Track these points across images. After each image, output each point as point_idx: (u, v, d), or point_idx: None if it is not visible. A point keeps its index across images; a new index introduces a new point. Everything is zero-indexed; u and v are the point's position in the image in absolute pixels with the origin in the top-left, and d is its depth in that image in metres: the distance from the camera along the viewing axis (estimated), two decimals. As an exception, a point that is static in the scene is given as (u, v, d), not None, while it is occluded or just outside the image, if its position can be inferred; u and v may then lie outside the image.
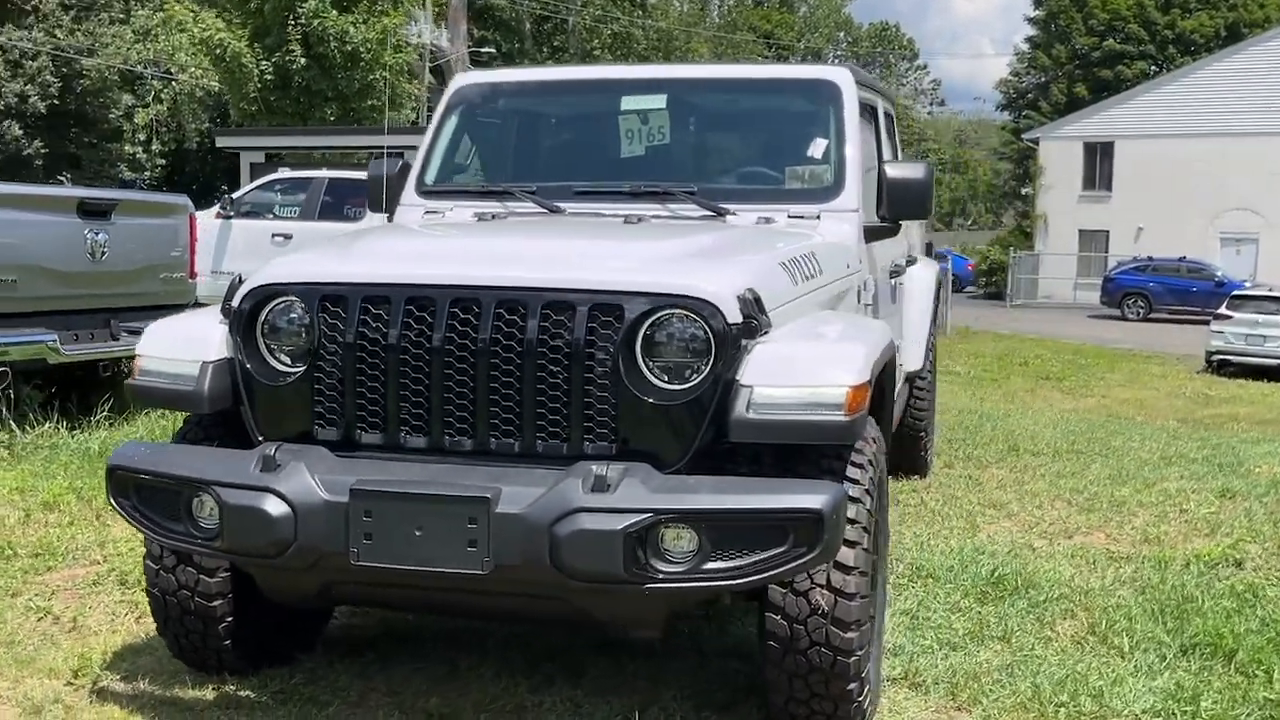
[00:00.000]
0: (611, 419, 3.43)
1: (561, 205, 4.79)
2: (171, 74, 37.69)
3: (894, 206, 4.82)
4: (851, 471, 3.56)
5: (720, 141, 5.24)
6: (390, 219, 5.14)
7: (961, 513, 6.58)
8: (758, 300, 3.47)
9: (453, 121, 5.33)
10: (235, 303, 3.71)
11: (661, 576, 3.21)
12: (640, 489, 3.24)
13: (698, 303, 3.42)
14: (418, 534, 3.28)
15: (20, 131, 41.30)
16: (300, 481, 3.37)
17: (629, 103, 5.14)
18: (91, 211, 7.78)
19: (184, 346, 3.80)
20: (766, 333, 3.49)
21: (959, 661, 4.35)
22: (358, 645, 4.40)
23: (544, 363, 3.44)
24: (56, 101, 43.94)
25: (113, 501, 3.63)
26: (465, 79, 5.48)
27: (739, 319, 3.42)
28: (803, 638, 3.50)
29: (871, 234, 4.94)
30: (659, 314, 3.44)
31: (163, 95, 43.66)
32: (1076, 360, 21.11)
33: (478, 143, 5.42)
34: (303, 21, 21.45)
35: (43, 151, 42.46)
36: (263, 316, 3.69)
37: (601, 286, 3.46)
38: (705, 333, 3.42)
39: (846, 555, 3.47)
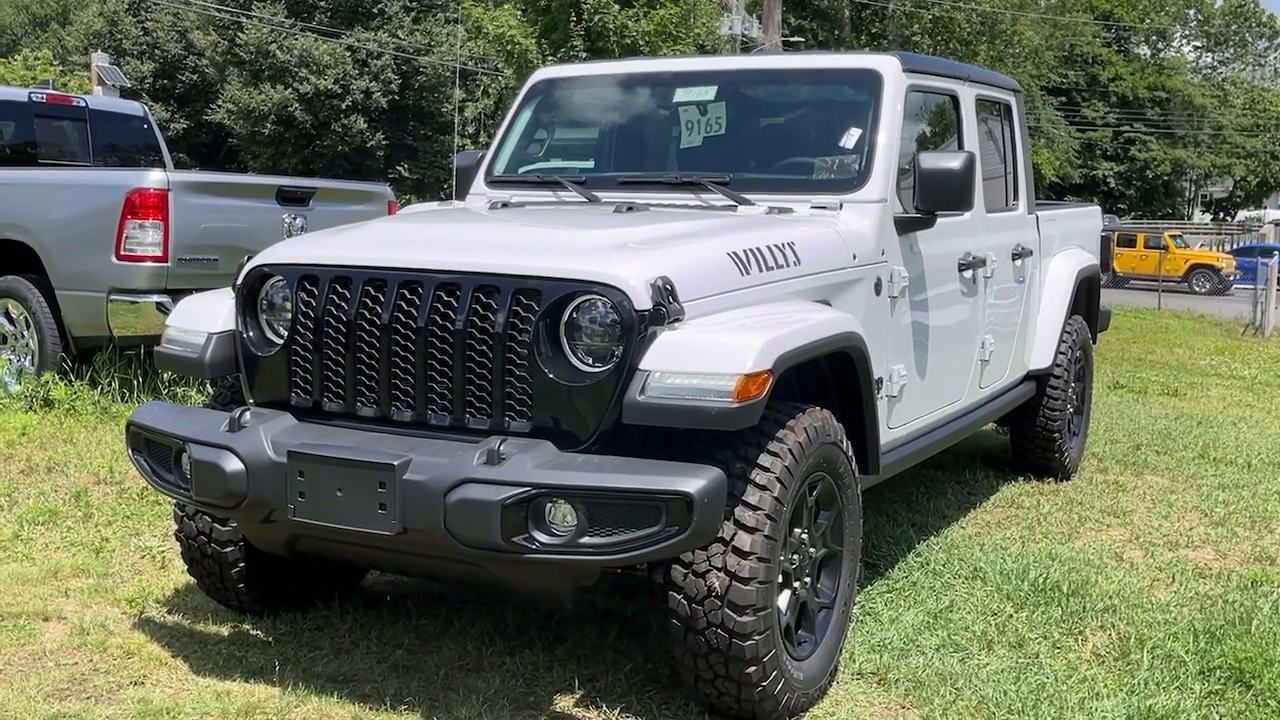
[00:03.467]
0: (529, 398, 3.63)
1: (600, 195, 4.99)
2: (498, 69, 39.84)
3: (927, 196, 4.73)
4: (761, 458, 3.61)
5: (768, 132, 5.28)
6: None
7: (1070, 519, 6.30)
8: (670, 289, 3.58)
9: (527, 114, 5.63)
10: (239, 281, 4.15)
11: (538, 548, 3.39)
12: (527, 464, 3.42)
13: (608, 289, 3.56)
14: (339, 494, 3.60)
15: (364, 124, 44.93)
16: (255, 442, 3.75)
17: (682, 95, 5.27)
18: (290, 198, 8.56)
19: (197, 319, 4.27)
20: (678, 320, 3.59)
21: (948, 664, 4.27)
22: (378, 600, 4.78)
23: (473, 343, 3.68)
24: (397, 97, 47.49)
25: (130, 454, 4.15)
26: (542, 73, 5.77)
27: (647, 306, 3.54)
28: (700, 618, 3.58)
29: (908, 225, 4.87)
30: (577, 299, 3.61)
31: (490, 90, 46.41)
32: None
33: (549, 135, 5.68)
34: (585, 17, 22.29)
35: (383, 143, 46.08)
36: (262, 294, 4.12)
37: (523, 272, 3.66)
38: (616, 318, 3.56)
39: (743, 540, 3.53)
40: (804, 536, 3.89)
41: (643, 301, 3.54)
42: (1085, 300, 7.37)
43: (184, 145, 49.77)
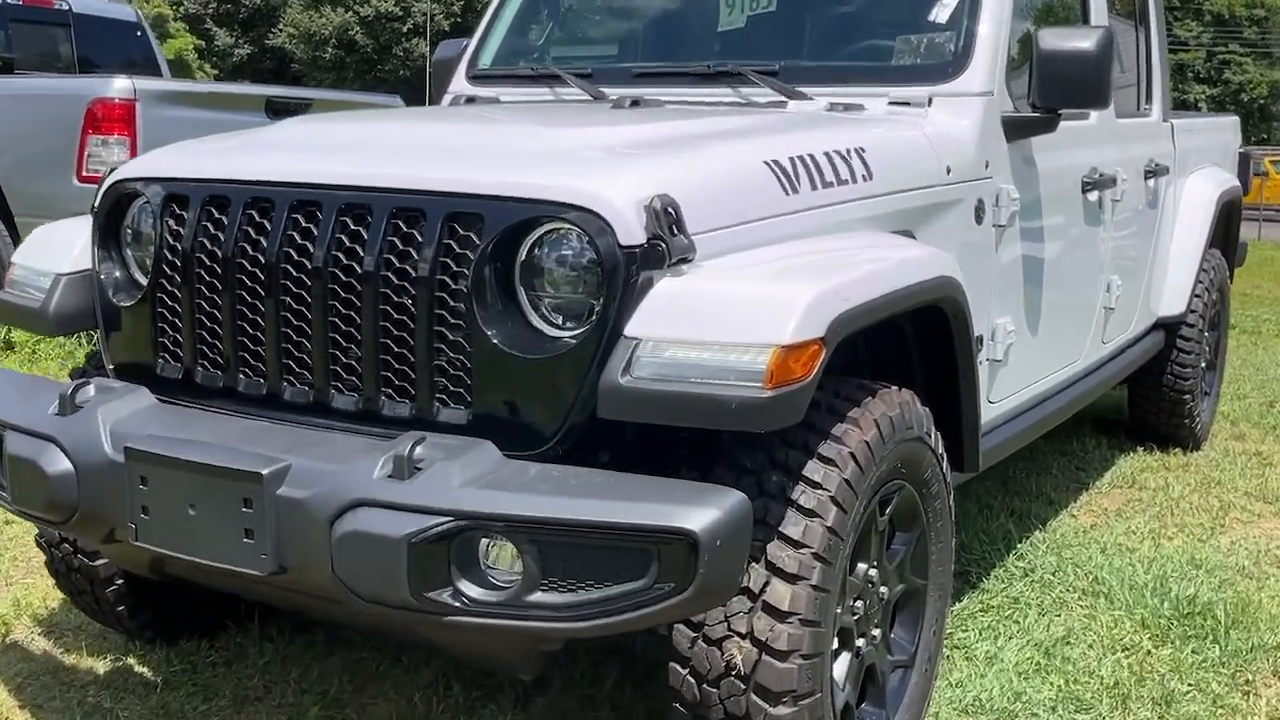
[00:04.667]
0: (466, 375, 2.47)
1: (609, 91, 3.78)
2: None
3: (1048, 89, 3.46)
4: (809, 468, 2.42)
5: (834, 8, 4.00)
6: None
7: (1209, 505, 5.03)
8: (674, 214, 2.38)
9: (521, -6, 4.40)
10: (95, 201, 3.01)
11: (464, 607, 2.24)
12: (452, 478, 2.26)
13: (581, 214, 2.38)
14: (191, 513, 2.47)
15: (426, 48, 43.78)
16: (88, 432, 2.62)
17: (722, -40, 4.01)
18: (281, 110, 7.41)
19: (48, 254, 3.14)
20: (686, 261, 2.39)
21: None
22: (313, 621, 3.68)
23: (388, 291, 2.51)
24: (459, 19, 46.29)
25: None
26: (541, -61, 4.51)
27: (639, 239, 2.35)
28: (714, 705, 2.42)
29: (1021, 128, 3.60)
30: (536, 230, 2.43)
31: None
32: None
33: (552, 17, 4.45)
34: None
35: (442, 65, 44.91)
36: (127, 220, 2.98)
37: (459, 188, 2.48)
38: (592, 257, 2.38)
39: (780, 594, 2.36)
40: (872, 574, 2.70)
41: (632, 232, 2.35)
42: (1224, 231, 6.03)
43: (248, 72, 49.03)
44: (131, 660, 3.41)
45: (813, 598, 2.36)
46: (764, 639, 2.36)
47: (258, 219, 2.67)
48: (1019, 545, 4.41)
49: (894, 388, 2.70)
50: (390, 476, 2.29)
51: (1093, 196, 4.23)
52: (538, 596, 2.21)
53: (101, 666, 3.38)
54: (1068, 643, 3.65)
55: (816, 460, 2.44)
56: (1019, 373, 3.77)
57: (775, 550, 2.37)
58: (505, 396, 2.44)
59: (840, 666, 2.63)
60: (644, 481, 2.25)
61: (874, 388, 2.66)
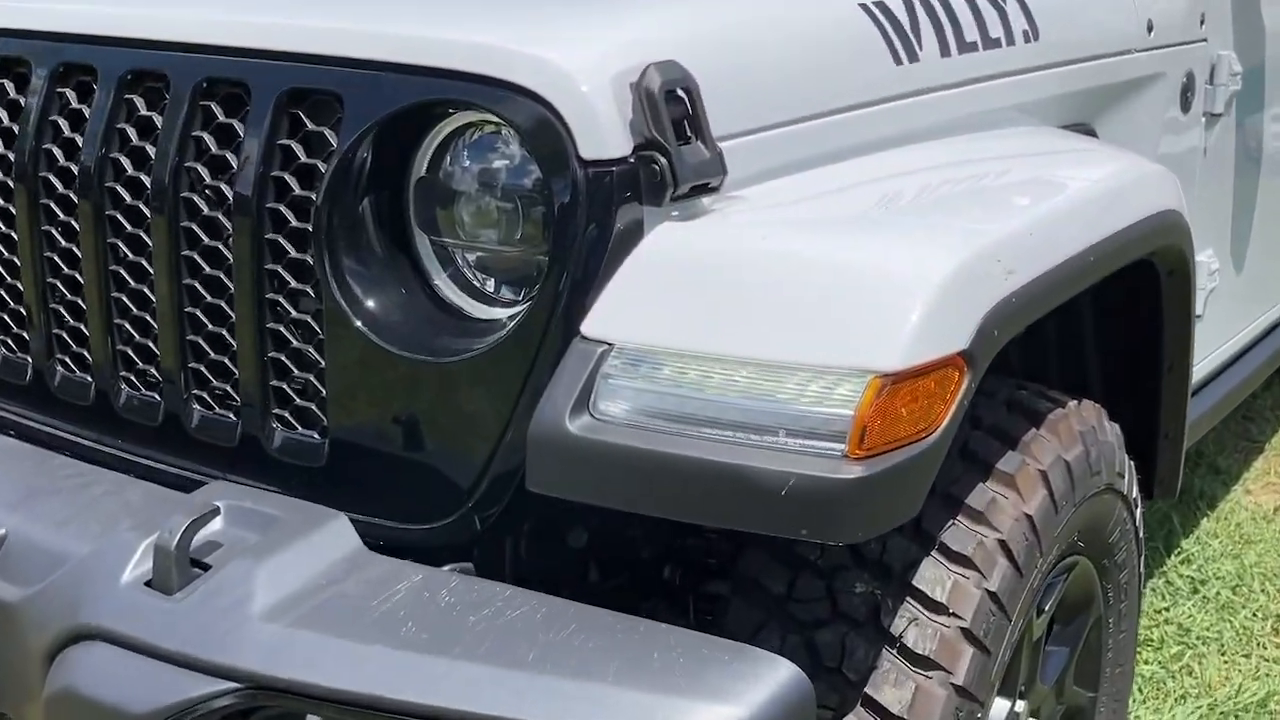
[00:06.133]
0: (318, 379, 1.40)
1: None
2: None
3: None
4: (925, 575, 1.33)
5: None
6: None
7: None
8: (689, 99, 1.25)
9: None
10: None
11: None
12: (253, 597, 1.21)
13: (508, 97, 1.26)
14: None
15: None
16: None
17: None
18: None
19: None
20: (710, 190, 1.28)
21: None
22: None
23: (193, 223, 1.44)
24: None
25: None
26: None
27: (618, 147, 1.24)
28: None
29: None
30: (437, 125, 1.33)
31: None
32: None
33: None
34: None
35: None
36: None
37: (297, 46, 1.37)
38: (537, 180, 1.28)
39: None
40: (1018, 710, 1.62)
41: (603, 135, 1.24)
42: None
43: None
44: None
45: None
46: None
47: (11, 94, 1.60)
48: (1184, 541, 3.29)
49: (1074, 402, 1.58)
50: (148, 585, 1.24)
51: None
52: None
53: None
54: (1264, 708, 2.56)
55: (938, 560, 1.34)
56: (1219, 327, 2.60)
57: (858, 730, 1.30)
58: (382, 421, 1.37)
59: None
60: (616, 631, 1.17)
61: (1040, 404, 1.54)
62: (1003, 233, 1.29)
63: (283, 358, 1.41)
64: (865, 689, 1.30)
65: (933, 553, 1.35)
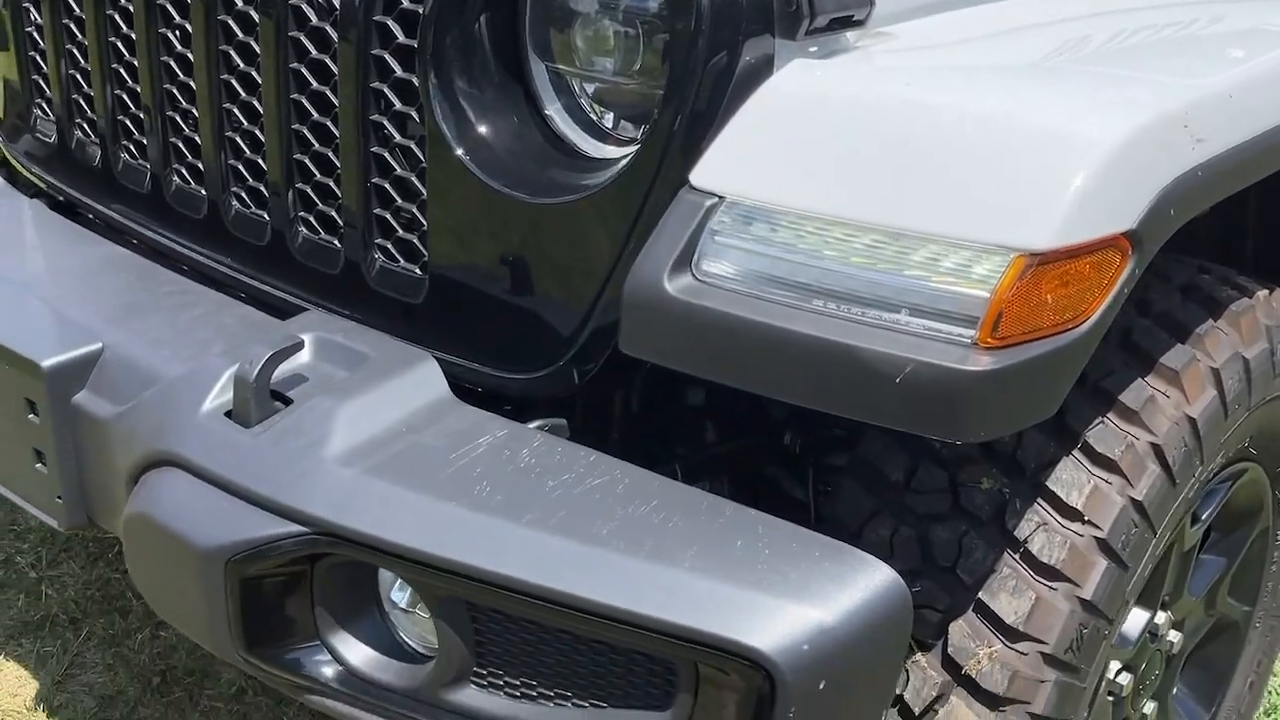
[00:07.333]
0: (420, 209, 1.31)
1: None
2: None
3: None
4: (1062, 478, 1.19)
5: None
6: None
7: None
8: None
9: None
10: None
11: (331, 687, 1.16)
12: (331, 439, 1.15)
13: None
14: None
15: None
16: None
17: None
18: None
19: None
20: (854, 23, 1.12)
21: None
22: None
23: (304, 34, 1.35)
24: None
25: None
26: None
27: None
28: None
29: None
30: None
31: None
32: None
33: None
34: None
35: None
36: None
37: None
38: (661, 5, 1.14)
39: (962, 726, 1.18)
40: (1158, 623, 1.48)
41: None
42: None
43: None
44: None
45: (1031, 737, 1.18)
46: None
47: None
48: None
49: (1264, 292, 1.39)
50: (228, 415, 1.20)
51: None
52: (463, 696, 1.12)
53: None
54: None
55: (1079, 461, 1.19)
56: None
57: (962, 635, 1.18)
58: (482, 258, 1.28)
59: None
60: (700, 513, 1.08)
61: (1223, 292, 1.35)
62: (1196, 93, 1.10)
63: (386, 185, 1.32)
64: (979, 594, 1.18)
65: (1074, 452, 1.20)
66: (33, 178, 1.78)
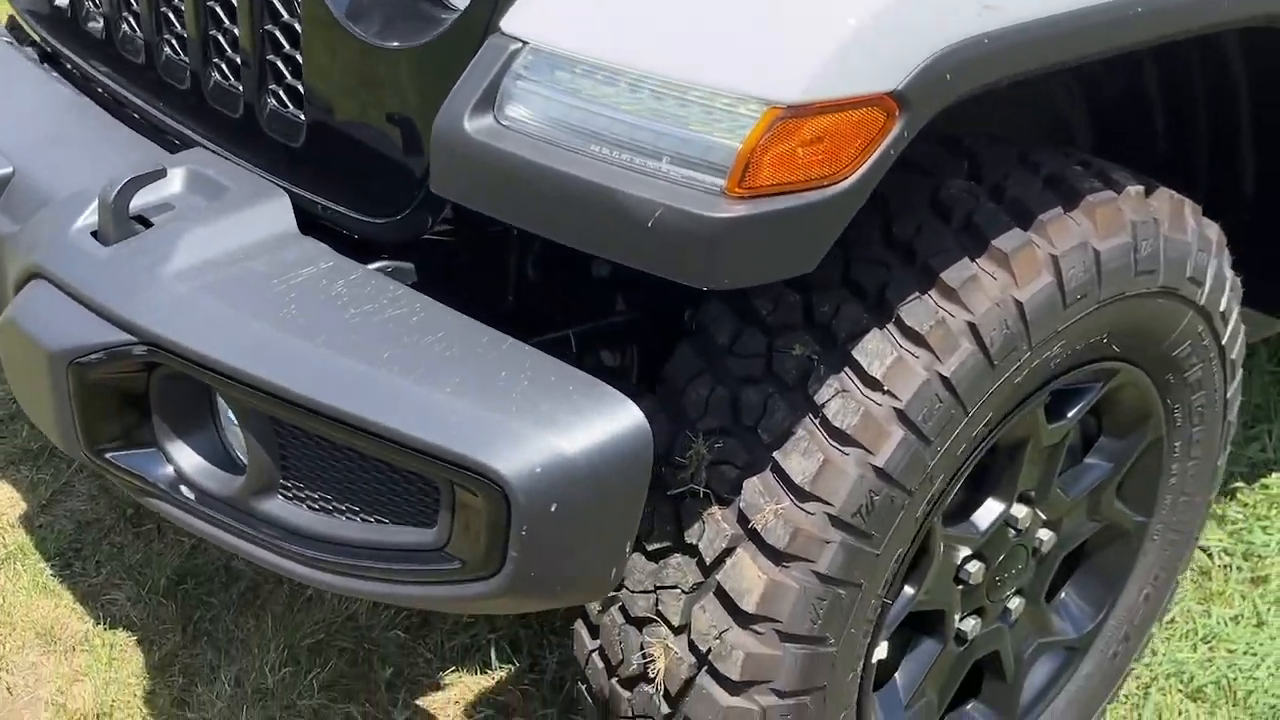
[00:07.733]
0: (294, 47, 1.37)
1: None
2: None
3: None
4: (864, 346, 1.20)
5: None
6: None
7: None
8: None
9: None
10: None
11: (163, 490, 1.26)
12: (175, 257, 1.23)
13: None
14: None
15: None
16: None
17: None
18: None
19: None
20: None
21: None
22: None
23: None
24: None
25: None
26: None
27: None
28: (622, 712, 1.37)
29: None
30: None
31: None
32: None
33: None
34: None
35: None
36: None
37: None
38: None
39: (745, 580, 1.22)
40: (1017, 515, 1.48)
41: None
42: None
43: None
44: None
45: (811, 596, 1.21)
46: (705, 648, 1.25)
47: None
48: None
49: (1138, 187, 1.37)
50: (93, 234, 1.29)
51: None
52: (270, 506, 1.20)
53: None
54: None
55: (890, 334, 1.21)
56: None
57: (755, 492, 1.22)
58: (347, 104, 1.34)
59: (921, 660, 1.49)
60: (479, 346, 1.13)
61: (1087, 183, 1.33)
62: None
63: (276, 30, 1.39)
64: (774, 453, 1.21)
65: (887, 326, 1.21)
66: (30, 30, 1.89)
